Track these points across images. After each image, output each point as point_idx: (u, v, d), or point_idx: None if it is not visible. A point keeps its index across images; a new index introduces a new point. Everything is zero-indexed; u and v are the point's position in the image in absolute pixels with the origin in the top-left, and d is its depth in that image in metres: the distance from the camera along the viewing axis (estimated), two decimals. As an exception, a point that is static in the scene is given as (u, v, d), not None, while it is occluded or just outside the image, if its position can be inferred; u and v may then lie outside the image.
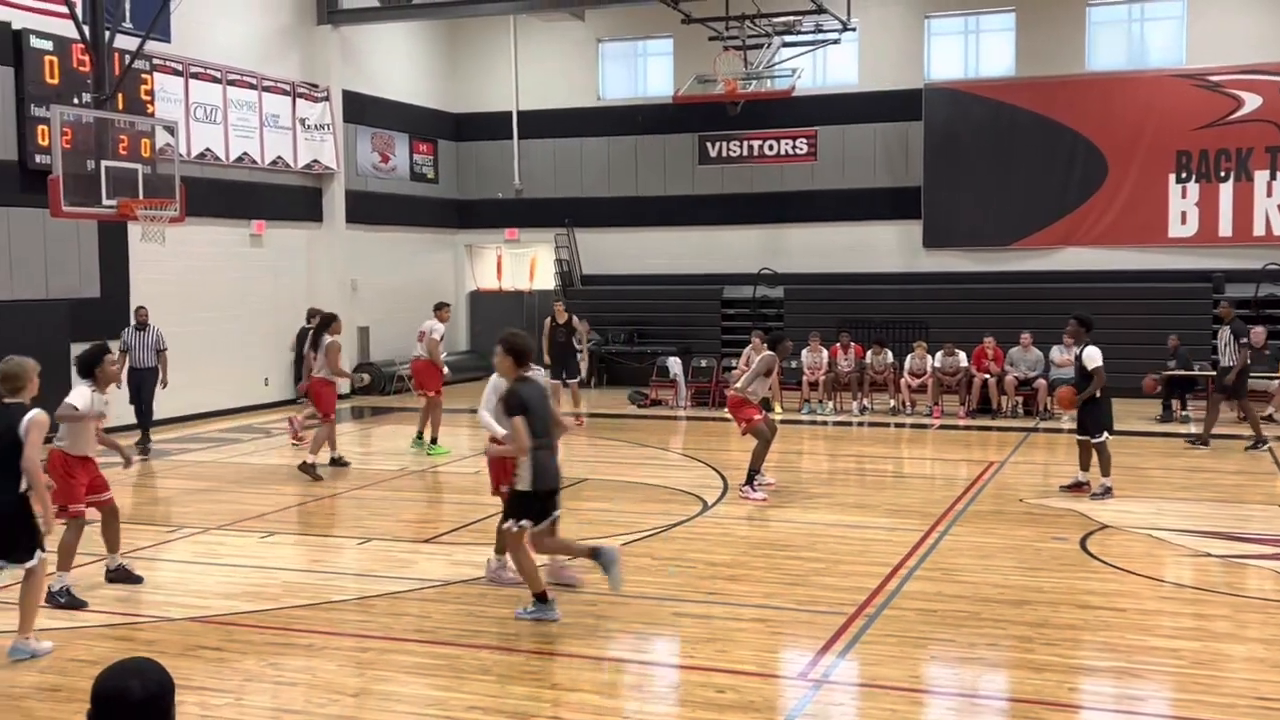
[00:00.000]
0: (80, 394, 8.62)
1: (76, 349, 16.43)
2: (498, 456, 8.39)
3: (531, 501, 7.78)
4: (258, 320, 19.89)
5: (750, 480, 12.13)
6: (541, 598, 7.86)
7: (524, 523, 7.80)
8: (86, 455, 8.68)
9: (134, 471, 12.50)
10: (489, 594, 8.60)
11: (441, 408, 15.48)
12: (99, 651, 7.33)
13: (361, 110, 22.86)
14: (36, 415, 7.15)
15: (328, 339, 13.95)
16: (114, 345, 15.71)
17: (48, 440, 7.48)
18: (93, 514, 8.84)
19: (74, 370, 9.04)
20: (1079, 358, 12.05)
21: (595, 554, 7.95)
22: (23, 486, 7.11)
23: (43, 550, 7.30)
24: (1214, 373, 16.18)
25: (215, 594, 8.75)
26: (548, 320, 18.15)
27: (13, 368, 7.28)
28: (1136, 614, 8.12)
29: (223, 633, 7.78)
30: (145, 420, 16.03)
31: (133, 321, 16.25)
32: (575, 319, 18.48)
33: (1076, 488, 12.23)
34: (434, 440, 15.22)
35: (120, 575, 9.05)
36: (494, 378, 8.48)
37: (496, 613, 8.17)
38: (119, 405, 16.64)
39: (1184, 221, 21.69)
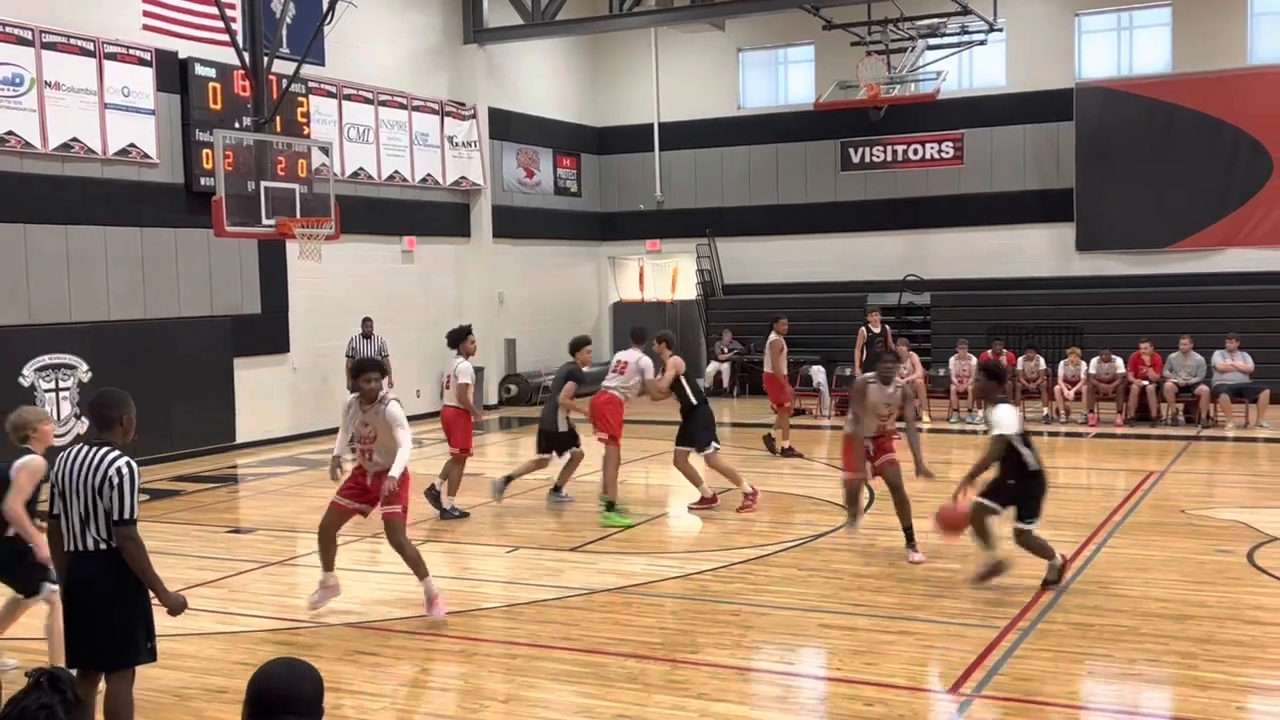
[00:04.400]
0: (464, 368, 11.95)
1: (240, 363, 17.30)
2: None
3: None
4: (409, 333, 20.39)
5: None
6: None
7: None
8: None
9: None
10: (634, 602, 8.66)
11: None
12: (261, 655, 7.60)
13: (506, 127, 23.29)
14: (28, 461, 6.84)
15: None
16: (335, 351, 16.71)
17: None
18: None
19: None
20: (986, 419, 9.46)
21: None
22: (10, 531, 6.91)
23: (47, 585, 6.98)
24: None
25: (371, 601, 9.00)
26: (861, 330, 18.20)
27: (14, 418, 7.00)
28: (1309, 631, 7.75)
29: (378, 639, 7.99)
30: None
31: (359, 330, 17.77)
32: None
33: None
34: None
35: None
36: None
37: (642, 622, 8.22)
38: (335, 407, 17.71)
39: (1356, 219, 20.62)
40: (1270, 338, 18.65)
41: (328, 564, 8.63)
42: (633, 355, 12.12)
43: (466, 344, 12.41)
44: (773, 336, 16.01)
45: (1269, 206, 21.11)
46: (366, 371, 8.53)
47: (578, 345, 12.68)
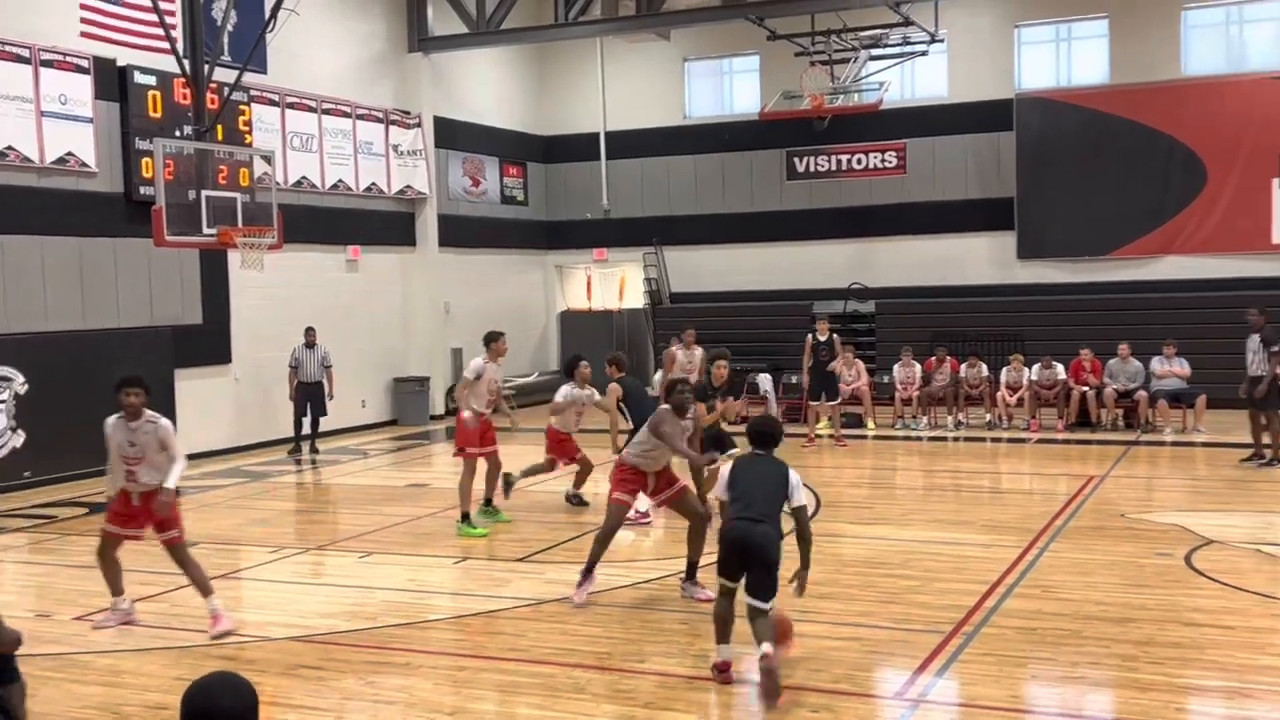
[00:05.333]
0: (563, 390, 12.29)
1: (181, 374, 17.08)
2: None
3: None
4: (354, 343, 20.24)
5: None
6: None
7: None
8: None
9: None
10: (581, 613, 8.64)
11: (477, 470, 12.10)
12: (203, 670, 7.45)
13: (452, 135, 23.21)
14: None
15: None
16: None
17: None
18: None
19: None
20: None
21: None
22: None
23: None
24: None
25: (315, 614, 8.91)
26: (809, 337, 18.07)
27: None
28: (1246, 632, 7.88)
29: (322, 652, 7.91)
30: (314, 431, 17.77)
31: (302, 340, 17.74)
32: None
33: None
34: (486, 501, 12.40)
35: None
36: None
37: (590, 631, 8.20)
38: (287, 417, 17.67)
39: (1288, 227, 21.06)
40: (1206, 344, 18.98)
41: (114, 588, 8.65)
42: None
43: (579, 370, 12.77)
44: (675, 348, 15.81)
45: (1203, 215, 21.50)
46: (129, 386, 8.30)
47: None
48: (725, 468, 7.55)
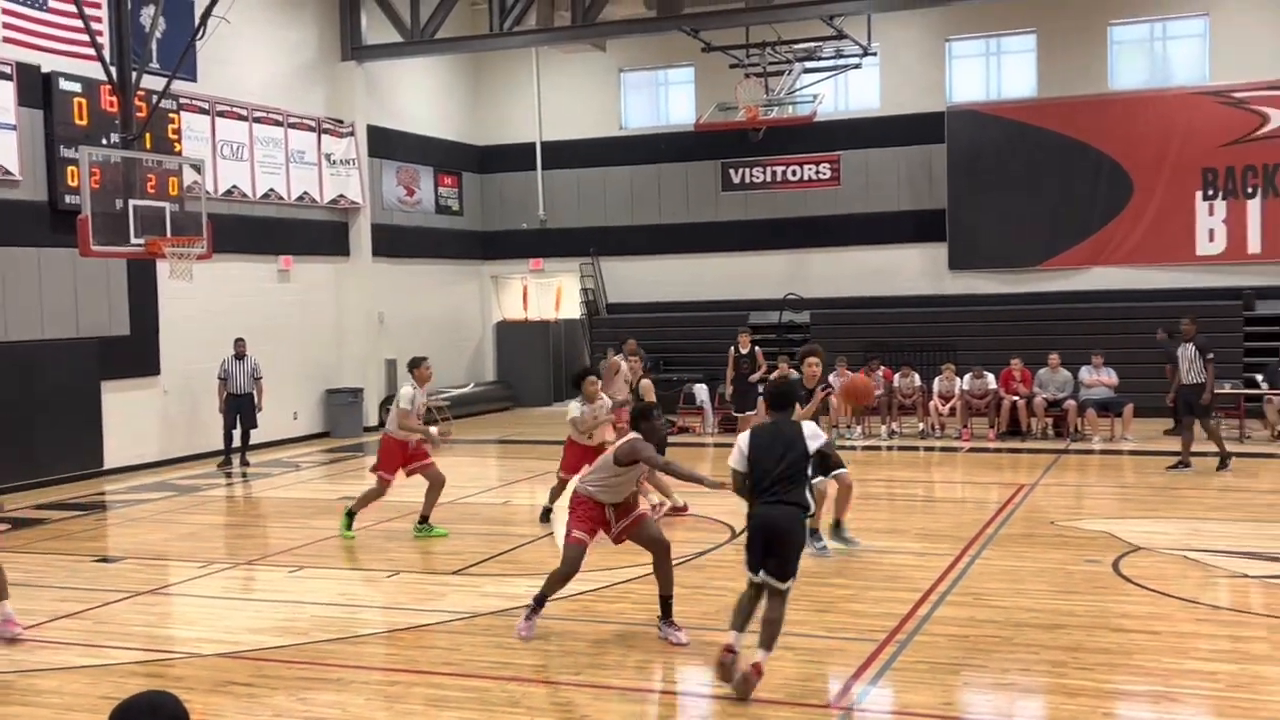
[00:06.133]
0: (574, 407, 11.71)
1: (108, 385, 16.77)
2: None
3: None
4: (286, 354, 20.00)
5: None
6: None
7: None
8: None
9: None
10: (517, 625, 8.58)
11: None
12: (129, 689, 7.33)
13: (386, 145, 23.04)
14: None
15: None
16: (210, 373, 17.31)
17: None
18: None
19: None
20: None
21: None
22: None
23: None
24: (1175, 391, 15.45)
25: (245, 629, 8.76)
26: (731, 350, 18.18)
27: None
28: (1172, 637, 8.02)
29: (253, 668, 7.78)
30: (244, 443, 17.62)
31: (232, 352, 17.48)
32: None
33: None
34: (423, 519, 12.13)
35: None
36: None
37: (525, 645, 8.14)
38: (216, 430, 17.36)
39: (1212, 239, 21.54)
40: (1133, 354, 19.36)
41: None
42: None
43: (585, 385, 11.99)
44: (615, 358, 15.83)
45: (1130, 227, 21.93)
46: None
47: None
48: (743, 435, 7.43)
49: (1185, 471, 14.74)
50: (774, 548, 7.04)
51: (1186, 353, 14.91)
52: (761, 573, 7.08)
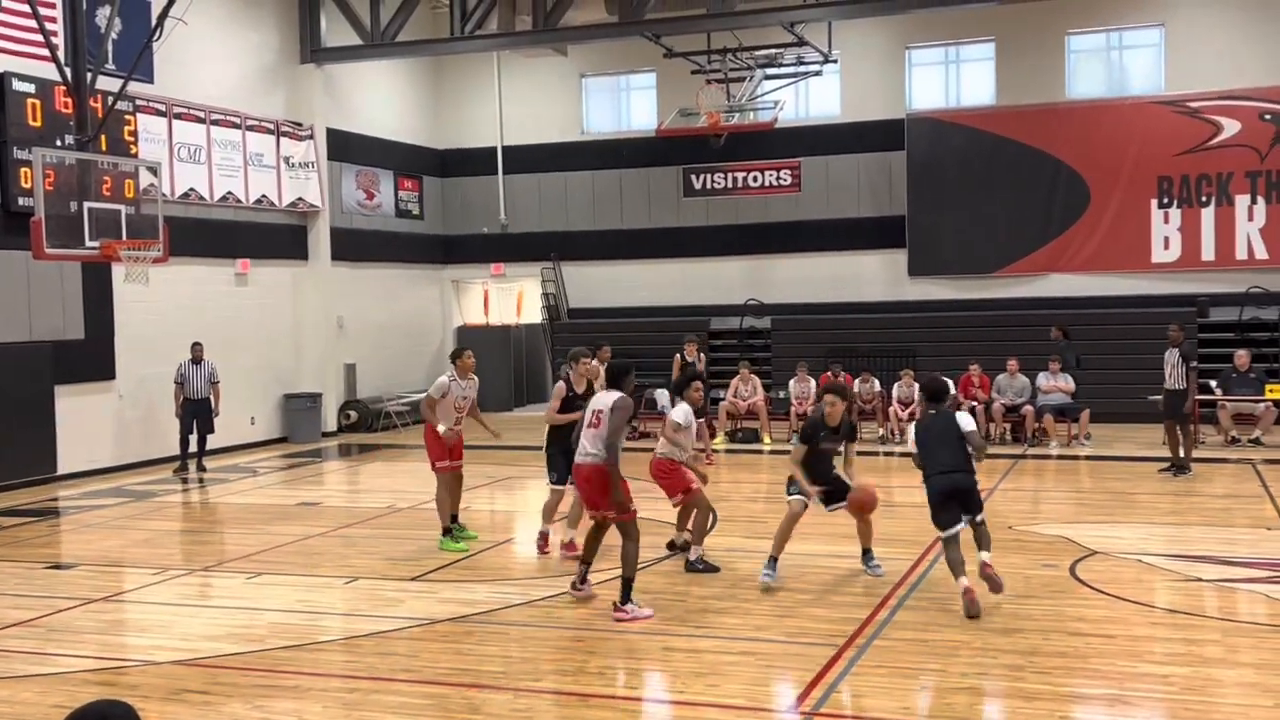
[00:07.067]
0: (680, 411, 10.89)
1: (62, 390, 16.55)
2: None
3: None
4: (243, 358, 19.82)
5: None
6: None
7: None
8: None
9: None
10: (476, 632, 8.54)
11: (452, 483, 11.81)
12: (82, 697, 7.24)
13: (346, 148, 22.89)
14: None
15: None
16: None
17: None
18: None
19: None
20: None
21: None
22: None
23: None
24: (1160, 396, 15.61)
25: (201, 636, 8.66)
26: (677, 357, 18.16)
27: None
28: (1127, 640, 8.09)
29: (208, 676, 7.70)
30: (201, 449, 17.37)
31: (189, 356, 17.27)
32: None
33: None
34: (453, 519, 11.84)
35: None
36: None
37: (484, 650, 8.11)
38: (172, 435, 17.17)
39: (1167, 247, 21.80)
40: (1090, 360, 19.55)
41: None
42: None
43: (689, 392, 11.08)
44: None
45: (1087, 234, 22.15)
46: None
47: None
48: (911, 428, 9.42)
49: (1176, 475, 14.96)
50: (956, 497, 8.87)
51: (1170, 358, 15.16)
52: (962, 520, 8.86)
